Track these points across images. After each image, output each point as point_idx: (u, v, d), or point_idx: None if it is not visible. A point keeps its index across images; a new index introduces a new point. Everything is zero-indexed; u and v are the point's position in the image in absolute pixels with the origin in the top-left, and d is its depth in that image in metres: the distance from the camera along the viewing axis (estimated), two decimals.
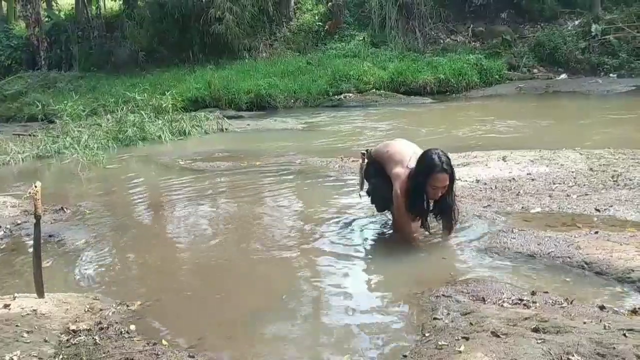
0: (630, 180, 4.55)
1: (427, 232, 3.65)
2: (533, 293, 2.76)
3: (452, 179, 3.32)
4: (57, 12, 19.17)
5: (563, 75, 13.55)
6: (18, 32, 18.43)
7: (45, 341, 2.47)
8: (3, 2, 19.93)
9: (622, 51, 13.54)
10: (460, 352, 2.18)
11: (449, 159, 3.31)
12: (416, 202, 3.43)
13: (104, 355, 2.38)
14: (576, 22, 14.72)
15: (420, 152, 3.51)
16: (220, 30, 14.76)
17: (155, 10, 16.49)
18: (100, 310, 2.87)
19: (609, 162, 5.19)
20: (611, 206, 3.98)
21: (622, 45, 13.64)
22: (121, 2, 18.01)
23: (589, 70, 13.53)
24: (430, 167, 3.27)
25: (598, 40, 13.85)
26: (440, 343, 2.29)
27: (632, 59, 13.43)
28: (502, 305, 2.65)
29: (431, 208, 3.52)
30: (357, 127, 9.44)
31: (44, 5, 18.87)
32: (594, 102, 10.96)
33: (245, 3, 15.15)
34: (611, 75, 13.16)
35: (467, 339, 2.28)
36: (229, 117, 10.74)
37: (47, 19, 18.35)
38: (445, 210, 3.49)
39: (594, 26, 13.90)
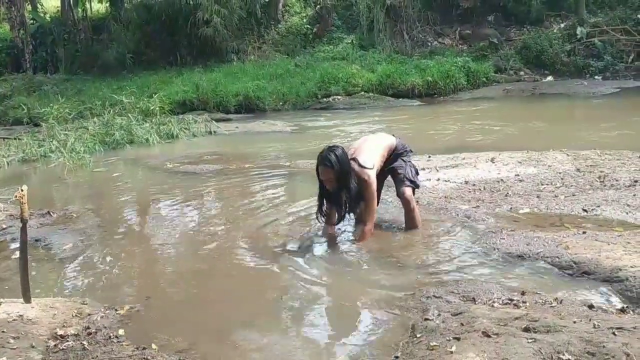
0: (616, 180, 4.61)
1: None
2: (523, 293, 2.78)
3: (339, 175, 3.47)
4: (42, 14, 18.91)
5: (549, 78, 13.69)
6: (2, 35, 18.19)
7: (33, 347, 2.43)
8: None
9: (606, 54, 13.73)
10: (452, 352, 2.18)
11: (338, 157, 3.44)
12: (320, 190, 3.65)
13: None
14: (562, 25, 14.89)
15: (373, 144, 3.80)
16: (209, 33, 14.69)
17: (142, 12, 16.36)
18: (88, 315, 2.83)
19: (595, 163, 5.25)
20: (598, 206, 4.03)
21: (606, 48, 13.83)
22: (108, 4, 17.86)
23: (574, 73, 13.68)
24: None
25: (583, 43, 14.03)
26: (431, 344, 2.30)
27: (616, 61, 13.62)
28: (492, 306, 2.66)
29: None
30: (346, 129, 9.44)
31: (29, 7, 18.63)
32: (579, 103, 11.09)
33: (233, 6, 15.10)
34: (596, 77, 13.33)
35: (458, 339, 2.28)
36: (217, 120, 10.69)
37: (32, 21, 18.10)
38: (348, 204, 3.62)
39: (579, 29, 14.07)
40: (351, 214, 3.85)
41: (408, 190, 3.80)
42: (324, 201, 3.69)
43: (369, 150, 3.72)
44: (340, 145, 3.62)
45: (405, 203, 3.81)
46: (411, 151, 4.03)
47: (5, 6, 16.66)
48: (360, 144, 3.88)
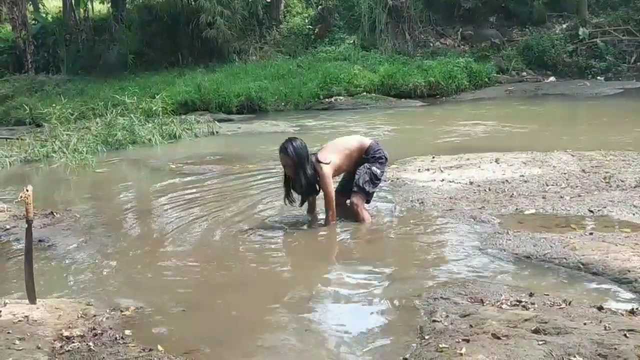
0: (622, 181, 4.59)
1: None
2: (531, 294, 2.76)
3: (293, 161, 3.96)
4: (44, 15, 18.92)
5: (551, 78, 13.68)
6: (4, 35, 18.20)
7: (38, 348, 2.42)
8: None
9: (608, 54, 13.73)
10: (461, 354, 2.16)
11: (294, 146, 3.95)
12: (284, 177, 4.20)
13: None
14: (564, 26, 14.88)
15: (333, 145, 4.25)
16: (212, 35, 14.67)
17: (143, 13, 16.37)
18: (94, 316, 2.81)
19: (600, 163, 5.23)
20: (605, 207, 4.01)
21: (608, 48, 13.83)
22: (109, 5, 17.87)
23: (576, 73, 13.68)
24: None
25: (585, 44, 14.02)
26: (440, 346, 2.27)
27: (618, 62, 13.63)
28: (501, 307, 2.64)
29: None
30: (348, 130, 9.43)
31: (31, 7, 18.64)
32: (583, 104, 11.07)
33: (236, 7, 15.08)
34: (598, 78, 13.32)
35: (467, 341, 2.26)
36: (220, 120, 10.68)
37: (33, 21, 18.12)
38: (304, 189, 4.07)
39: (581, 30, 14.06)
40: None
41: (356, 199, 4.11)
42: (289, 187, 4.15)
43: (330, 149, 4.18)
44: (300, 138, 4.10)
45: (354, 211, 4.11)
46: (384, 157, 4.21)
47: (7, 7, 16.66)
48: (327, 143, 4.36)
